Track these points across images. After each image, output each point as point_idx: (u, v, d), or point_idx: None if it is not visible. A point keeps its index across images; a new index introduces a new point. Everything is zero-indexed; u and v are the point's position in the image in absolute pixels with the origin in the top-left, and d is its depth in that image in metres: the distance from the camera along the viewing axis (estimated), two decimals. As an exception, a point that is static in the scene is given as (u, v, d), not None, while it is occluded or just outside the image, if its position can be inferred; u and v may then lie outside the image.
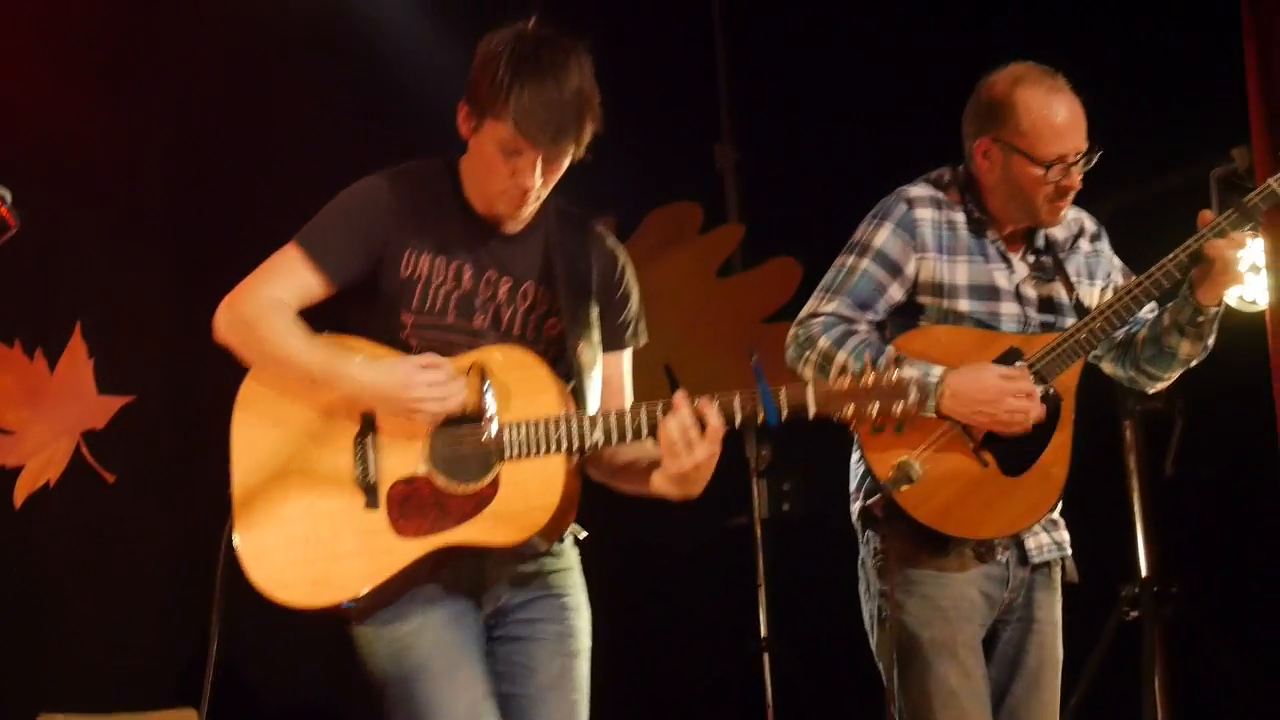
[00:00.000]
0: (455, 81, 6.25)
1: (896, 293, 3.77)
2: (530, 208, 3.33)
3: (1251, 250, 5.42)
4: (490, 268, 3.36)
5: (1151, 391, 4.03)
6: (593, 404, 3.36)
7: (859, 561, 3.85)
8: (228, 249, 5.79)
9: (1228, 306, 5.39)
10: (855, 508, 3.83)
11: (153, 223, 5.85)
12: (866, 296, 3.75)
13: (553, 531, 3.30)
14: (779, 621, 6.35)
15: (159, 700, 5.54)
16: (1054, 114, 3.70)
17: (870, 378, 3.16)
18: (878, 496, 3.71)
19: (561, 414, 3.24)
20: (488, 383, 3.25)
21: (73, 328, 5.64)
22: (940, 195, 3.84)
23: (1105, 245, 3.97)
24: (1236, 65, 5.27)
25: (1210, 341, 3.84)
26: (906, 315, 3.79)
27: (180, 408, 5.85)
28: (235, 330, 3.32)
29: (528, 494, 3.23)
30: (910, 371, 3.16)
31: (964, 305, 3.77)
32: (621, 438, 3.22)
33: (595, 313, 3.42)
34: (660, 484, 3.23)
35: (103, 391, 5.67)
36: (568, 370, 3.34)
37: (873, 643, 3.81)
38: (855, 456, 3.78)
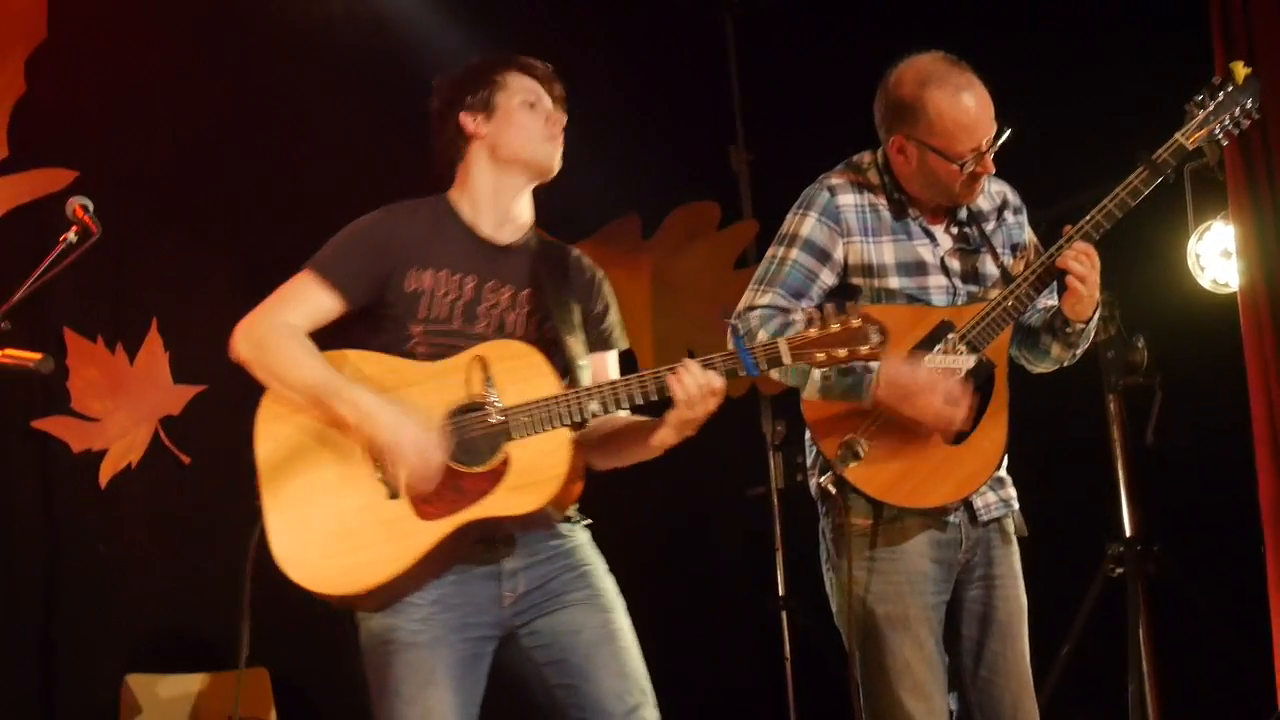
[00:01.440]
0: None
1: (828, 278, 3.69)
2: (559, 153, 3.48)
3: (1223, 236, 5.43)
4: (492, 277, 3.44)
5: (1032, 372, 3.89)
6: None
7: (820, 531, 3.80)
8: (288, 252, 5.85)
9: (1203, 290, 5.44)
10: (812, 484, 3.77)
11: (221, 229, 5.89)
12: (799, 285, 3.68)
13: (564, 499, 3.34)
14: (794, 582, 6.37)
15: (232, 661, 5.56)
16: (964, 114, 3.59)
17: (834, 325, 3.21)
18: (829, 474, 3.65)
19: (559, 392, 3.29)
20: (489, 373, 3.28)
21: (150, 324, 5.67)
22: (861, 180, 3.74)
23: (1025, 219, 3.88)
24: (1206, 66, 5.27)
25: (1079, 352, 3.76)
26: (843, 296, 3.69)
27: (248, 396, 5.86)
28: (251, 350, 3.36)
29: (537, 466, 3.26)
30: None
31: (894, 283, 3.68)
32: (617, 405, 3.27)
33: (579, 319, 3.50)
34: (666, 434, 3.30)
35: (178, 381, 5.70)
36: (564, 362, 3.40)
37: (834, 608, 3.78)
38: (808, 435, 3.74)
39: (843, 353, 3.21)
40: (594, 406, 3.26)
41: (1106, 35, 5.78)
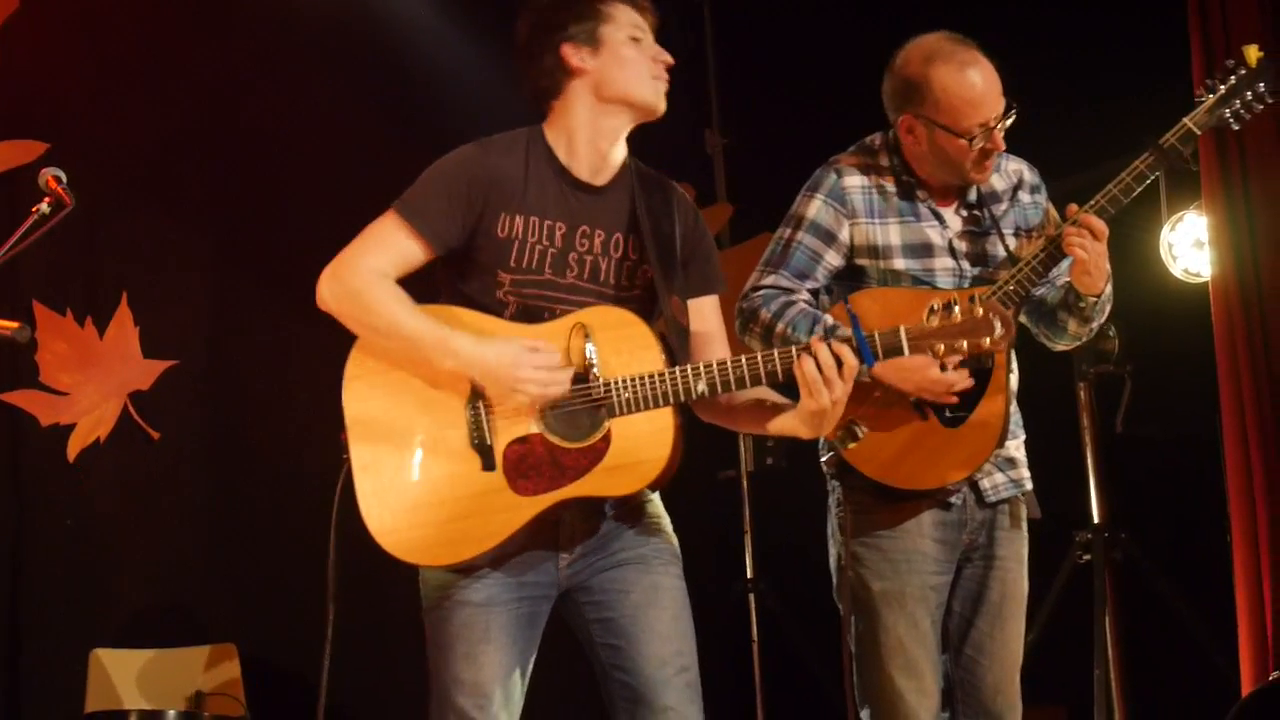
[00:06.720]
0: (471, 72, 6.27)
1: (834, 259, 3.71)
2: (664, 96, 3.27)
3: (1196, 226, 5.45)
4: (583, 223, 3.27)
5: (1055, 350, 3.92)
6: (692, 351, 3.28)
7: (827, 506, 3.82)
8: (261, 226, 5.85)
9: (1174, 279, 5.46)
10: (822, 460, 3.81)
11: (193, 202, 5.87)
12: (804, 266, 3.70)
13: (664, 479, 3.20)
14: (763, 564, 6.38)
15: (200, 637, 5.56)
16: (970, 88, 3.60)
17: (957, 315, 3.10)
18: (831, 454, 3.69)
19: (665, 368, 3.14)
20: (591, 341, 3.16)
21: (120, 298, 5.65)
22: (869, 161, 3.76)
23: (1043, 198, 3.87)
24: (1186, 55, 5.29)
25: (1096, 325, 3.76)
26: (850, 278, 3.73)
27: (218, 371, 5.88)
28: (340, 301, 3.19)
29: (639, 447, 3.14)
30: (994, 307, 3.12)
31: (900, 264, 3.70)
32: (725, 388, 3.14)
33: (679, 260, 3.31)
34: (790, 424, 3.19)
35: (147, 356, 5.69)
36: (662, 318, 3.25)
37: (834, 583, 3.80)
38: None
39: (964, 344, 3.10)
40: (701, 387, 3.12)
41: (1101, 13, 5.77)
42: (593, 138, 3.29)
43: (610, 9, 3.26)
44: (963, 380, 3.56)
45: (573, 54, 3.25)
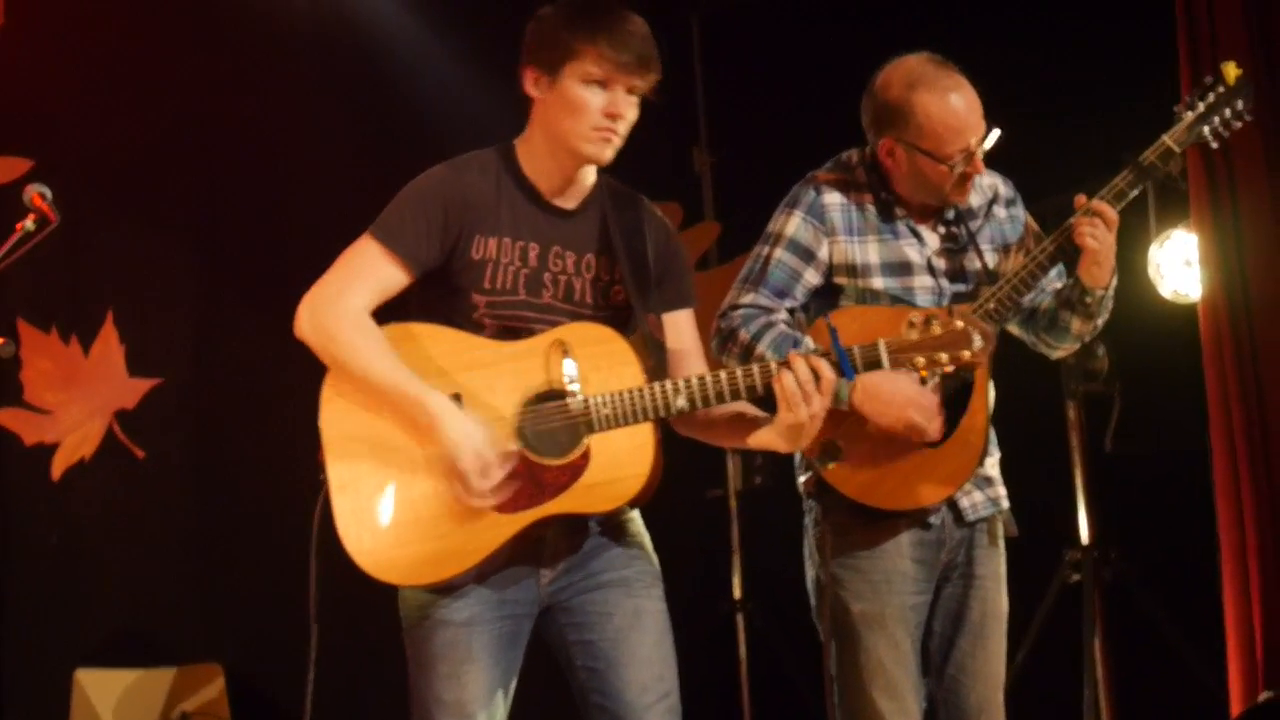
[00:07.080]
0: (454, 84, 6.28)
1: (813, 277, 3.68)
2: (612, 149, 3.22)
3: (1184, 245, 5.44)
4: (555, 244, 3.27)
5: (1053, 358, 3.91)
6: (669, 367, 3.26)
7: (804, 526, 3.79)
8: (247, 243, 5.85)
9: (1164, 300, 5.46)
10: (799, 480, 3.79)
11: (179, 219, 5.87)
12: (783, 285, 3.67)
13: (644, 496, 3.20)
14: (751, 584, 6.37)
15: (185, 656, 5.55)
16: (953, 115, 3.56)
17: (936, 329, 3.10)
18: (810, 474, 3.67)
19: (644, 384, 3.15)
20: (570, 358, 3.15)
21: (105, 315, 5.65)
22: (847, 178, 3.72)
23: (1020, 210, 3.85)
24: (1173, 74, 5.30)
25: (1100, 321, 3.73)
26: (827, 296, 3.70)
27: (204, 389, 5.87)
28: (318, 338, 3.18)
29: (619, 463, 3.14)
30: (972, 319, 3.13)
31: (878, 283, 3.67)
32: (705, 403, 3.15)
33: (652, 277, 3.31)
34: (768, 437, 3.19)
35: (133, 374, 5.68)
36: (637, 330, 3.25)
37: (813, 605, 3.77)
38: None
39: (944, 357, 3.10)
40: (681, 403, 3.12)
41: (1081, 31, 5.78)
42: (547, 169, 3.28)
43: (582, 45, 3.17)
44: (936, 427, 3.54)
45: (531, 81, 3.24)
